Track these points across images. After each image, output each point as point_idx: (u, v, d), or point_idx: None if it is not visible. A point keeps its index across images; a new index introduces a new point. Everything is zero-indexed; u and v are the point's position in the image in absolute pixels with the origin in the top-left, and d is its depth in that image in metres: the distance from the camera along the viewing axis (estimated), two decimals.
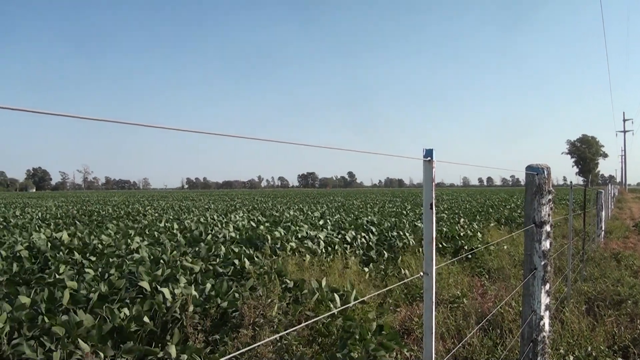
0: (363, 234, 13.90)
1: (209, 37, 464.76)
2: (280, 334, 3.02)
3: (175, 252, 10.15)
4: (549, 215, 4.78)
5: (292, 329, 3.12)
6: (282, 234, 13.69)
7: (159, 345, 5.81)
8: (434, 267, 2.96)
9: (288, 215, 22.92)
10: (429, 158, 2.84)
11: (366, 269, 10.27)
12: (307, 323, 3.75)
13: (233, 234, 13.92)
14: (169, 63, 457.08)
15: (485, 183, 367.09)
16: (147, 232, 14.85)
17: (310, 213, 25.25)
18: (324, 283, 7.40)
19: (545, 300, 4.82)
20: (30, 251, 10.69)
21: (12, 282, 8.23)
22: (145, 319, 5.81)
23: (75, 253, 10.34)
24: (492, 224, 19.97)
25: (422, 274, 3.02)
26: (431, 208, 2.89)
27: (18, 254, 10.17)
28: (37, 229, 17.25)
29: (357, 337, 5.76)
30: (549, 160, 5.12)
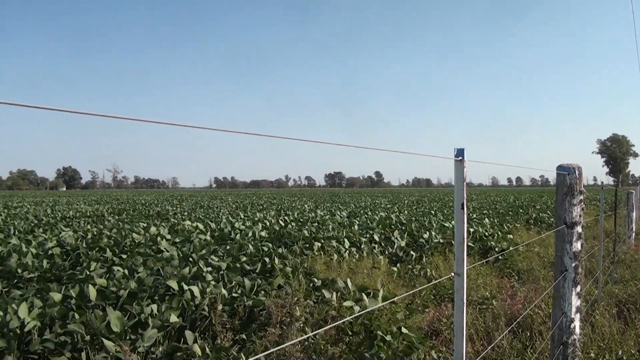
0: (391, 234, 13.83)
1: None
2: (310, 334, 3.01)
3: (204, 250, 10.21)
4: (580, 216, 4.70)
5: (320, 330, 3.10)
6: (310, 233, 13.68)
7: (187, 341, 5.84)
8: (465, 268, 2.92)
9: (315, 215, 22.92)
10: (460, 157, 2.80)
11: (394, 269, 10.22)
12: (335, 324, 3.73)
13: (262, 233, 13.95)
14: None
15: (514, 183, 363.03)
16: (176, 231, 14.96)
17: (337, 212, 25.22)
18: (350, 282, 7.37)
19: (575, 302, 4.74)
20: (61, 248, 10.83)
21: (43, 279, 8.36)
22: (173, 316, 5.84)
23: (107, 251, 10.45)
24: (521, 225, 19.75)
25: (452, 274, 2.99)
26: (462, 208, 2.85)
27: (49, 252, 10.31)
28: (68, 227, 17.49)
29: (386, 337, 5.73)
30: (578, 159, 5.04)
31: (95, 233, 14.22)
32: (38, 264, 9.04)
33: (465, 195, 2.86)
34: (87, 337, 5.40)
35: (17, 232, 15.26)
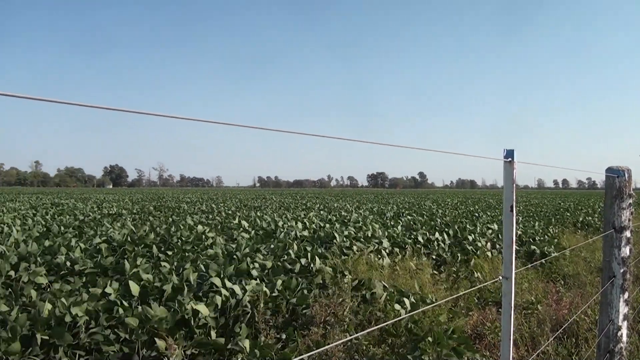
0: (435, 235, 13.73)
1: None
2: (354, 335, 3.00)
3: (247, 248, 10.29)
4: (629, 220, 4.59)
5: (365, 331, 3.10)
6: (352, 233, 13.67)
7: (230, 338, 5.89)
8: (514, 271, 2.88)
9: (358, 215, 22.89)
10: (509, 159, 2.76)
11: (437, 271, 10.14)
12: (379, 326, 3.72)
13: (304, 232, 13.99)
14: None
15: (560, 185, 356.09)
16: (220, 229, 15.11)
17: (380, 213, 25.14)
18: (394, 284, 7.34)
19: (623, 309, 4.63)
20: (108, 244, 11.04)
21: (90, 274, 8.54)
22: (205, 310, 5.90)
23: (153, 247, 10.61)
24: (568, 228, 19.39)
25: (500, 277, 2.95)
26: (511, 210, 2.81)
27: (97, 247, 10.52)
28: (115, 223, 17.83)
29: (429, 339, 5.68)
30: (628, 162, 4.93)
31: (141, 230, 14.46)
32: (86, 259, 9.22)
33: (514, 197, 2.82)
34: (140, 332, 5.49)
35: (63, 228, 15.60)
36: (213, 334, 5.88)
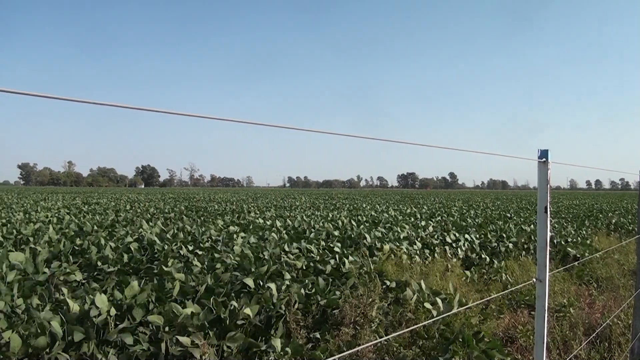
0: (466, 236, 13.63)
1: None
2: (385, 337, 2.99)
3: (278, 248, 10.32)
4: None
5: (396, 333, 3.08)
6: (382, 234, 13.63)
7: (263, 338, 5.91)
8: (547, 274, 2.85)
9: (388, 216, 22.82)
10: (543, 159, 2.73)
11: (468, 272, 10.05)
12: (411, 328, 3.70)
13: (334, 233, 13.99)
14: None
15: (593, 186, 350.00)
16: (251, 229, 15.18)
17: (410, 213, 25.03)
18: (424, 285, 7.30)
19: None
20: (139, 243, 11.16)
21: (121, 272, 8.65)
22: (252, 312, 5.92)
23: (183, 247, 10.70)
24: (601, 230, 19.09)
25: (533, 280, 2.91)
26: (545, 212, 2.78)
27: (128, 246, 10.64)
28: (147, 222, 18.02)
29: (460, 342, 5.64)
30: None
31: (173, 229, 14.59)
32: (117, 258, 9.34)
33: (548, 198, 2.79)
34: (167, 329, 5.54)
35: (96, 227, 15.81)
36: (247, 333, 5.92)
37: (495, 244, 13.00)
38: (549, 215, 2.80)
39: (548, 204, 2.78)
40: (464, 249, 12.37)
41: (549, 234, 2.84)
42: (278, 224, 16.79)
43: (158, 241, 11.30)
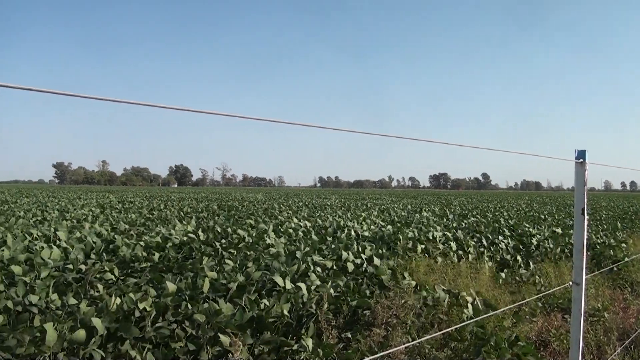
0: (499, 238, 13.49)
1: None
2: (418, 340, 2.97)
3: (308, 248, 10.33)
4: None
5: (429, 336, 3.06)
6: (414, 234, 13.56)
7: (294, 337, 5.92)
8: (584, 277, 2.80)
9: (419, 216, 22.71)
10: (581, 160, 2.68)
11: (501, 274, 9.94)
12: (444, 331, 3.67)
13: (365, 233, 13.96)
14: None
15: (627, 187, 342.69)
16: (282, 229, 15.22)
17: (442, 214, 24.87)
18: (457, 286, 7.24)
19: None
20: (173, 242, 11.26)
21: (156, 270, 8.74)
22: (285, 311, 5.94)
23: (217, 245, 10.77)
24: (636, 233, 18.73)
25: (570, 283, 2.87)
26: (582, 213, 2.73)
27: (162, 244, 10.75)
28: (180, 221, 18.19)
29: (492, 345, 5.58)
30: None
31: (205, 228, 14.71)
32: (150, 256, 9.44)
33: (585, 199, 2.74)
34: (207, 327, 5.59)
35: (129, 226, 16.01)
36: (278, 332, 5.94)
37: (529, 246, 12.84)
38: (586, 218, 2.75)
39: (585, 205, 2.73)
40: (497, 250, 12.24)
41: (585, 236, 2.79)
42: (308, 223, 16.81)
43: (191, 239, 11.38)
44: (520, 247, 12.94)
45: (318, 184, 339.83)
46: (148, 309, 5.89)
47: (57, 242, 11.35)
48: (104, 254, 9.90)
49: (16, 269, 7.72)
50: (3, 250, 9.09)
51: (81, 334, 5.16)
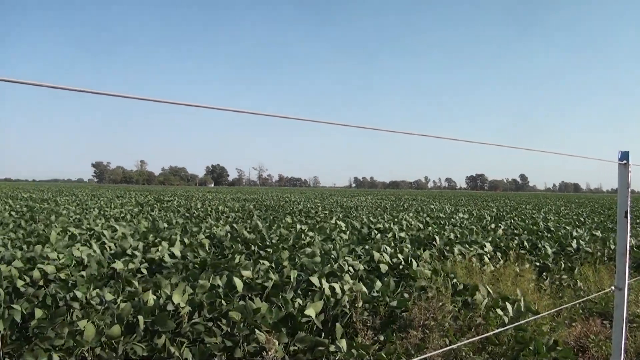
0: (537, 241, 13.30)
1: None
2: (457, 344, 2.94)
3: (344, 249, 10.32)
4: None
5: (467, 340, 3.02)
6: (451, 236, 13.45)
7: (329, 337, 5.91)
8: (627, 282, 2.73)
9: (457, 218, 22.52)
10: (624, 161, 2.62)
11: (540, 278, 9.79)
12: (483, 336, 3.62)
13: (401, 234, 13.90)
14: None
15: None
16: (318, 228, 15.23)
17: (479, 216, 24.64)
18: (495, 290, 7.16)
19: None
20: (210, 240, 11.37)
21: (192, 268, 8.83)
22: (314, 310, 5.93)
23: (252, 245, 10.83)
24: None
25: (612, 288, 2.80)
26: (625, 216, 2.66)
27: (199, 243, 10.85)
28: (216, 220, 18.35)
29: (531, 349, 5.50)
30: None
31: (241, 227, 14.80)
32: (187, 254, 9.53)
33: (629, 202, 2.67)
34: (242, 325, 5.63)
35: (167, 224, 16.20)
36: (313, 332, 5.94)
37: (568, 250, 12.63)
38: (629, 220, 2.69)
39: (628, 208, 2.66)
40: (536, 253, 12.07)
41: (629, 240, 2.72)
42: (344, 224, 16.80)
43: (228, 239, 11.47)
44: (560, 250, 12.73)
45: (353, 185, 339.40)
46: (182, 304, 5.96)
47: (97, 239, 11.55)
48: (142, 251, 10.04)
49: (59, 265, 7.89)
50: (45, 247, 9.28)
51: (116, 329, 5.24)
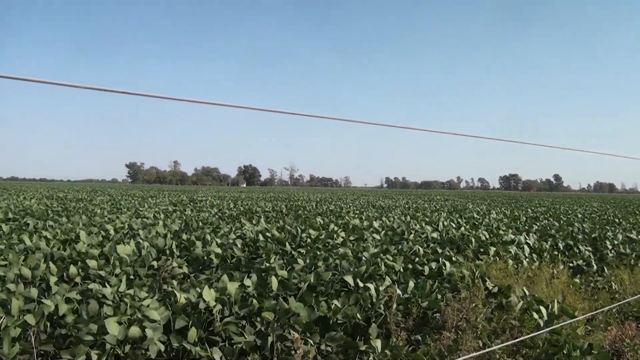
0: (572, 242, 13.15)
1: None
2: (491, 348, 2.94)
3: (377, 249, 10.32)
4: None
5: (502, 344, 3.03)
6: (485, 237, 13.37)
7: (362, 338, 5.94)
8: None
9: (490, 219, 22.34)
10: None
11: (575, 280, 9.68)
12: (517, 340, 3.62)
13: (434, 235, 13.85)
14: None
15: None
16: (350, 229, 15.25)
17: (513, 217, 24.40)
18: (529, 292, 7.11)
19: None
20: (242, 240, 11.45)
21: (225, 267, 8.93)
22: (351, 312, 5.96)
23: (286, 244, 10.89)
24: None
25: None
26: None
27: (232, 243, 10.94)
28: (249, 220, 18.48)
29: (565, 353, 5.46)
30: None
31: (274, 227, 14.88)
32: (220, 253, 9.63)
33: None
34: (275, 325, 5.68)
35: (201, 224, 16.36)
36: (346, 332, 5.97)
37: (604, 251, 12.46)
38: None
39: None
40: (571, 255, 11.93)
41: None
42: (376, 224, 16.78)
43: (260, 239, 11.55)
44: (595, 252, 12.57)
45: (385, 185, 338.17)
46: (213, 303, 6.03)
47: (131, 238, 11.73)
48: (176, 251, 10.17)
49: (93, 263, 8.03)
50: (79, 244, 9.46)
51: (136, 330, 5.32)
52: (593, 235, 15.17)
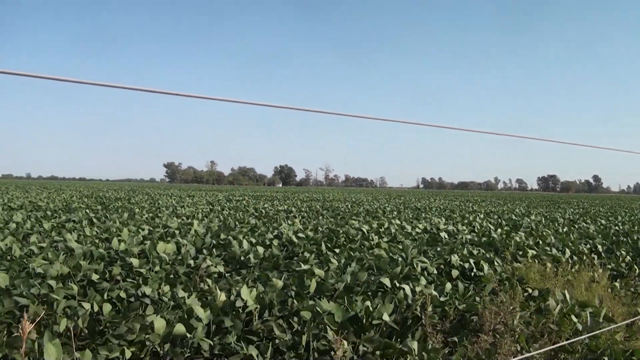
0: (613, 245, 12.93)
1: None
2: (530, 353, 2.93)
3: (412, 250, 10.30)
4: None
5: (542, 350, 3.01)
6: (523, 239, 13.23)
7: (398, 339, 5.94)
8: None
9: (529, 220, 22.08)
10: None
11: (615, 284, 9.52)
12: (557, 345, 3.59)
13: (471, 236, 13.75)
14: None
15: None
16: (384, 229, 15.22)
17: (552, 219, 24.09)
18: (569, 295, 7.01)
19: None
20: (279, 240, 11.53)
21: (262, 267, 9.01)
22: (385, 315, 5.96)
23: (321, 244, 10.93)
24: None
25: None
26: None
27: (268, 243, 11.02)
28: (285, 220, 18.59)
29: (605, 359, 5.39)
30: None
31: (310, 227, 14.95)
32: (257, 253, 9.71)
33: None
34: (312, 324, 5.73)
35: (238, 223, 16.49)
36: (383, 333, 5.97)
37: None
38: None
39: None
40: (611, 259, 11.74)
41: None
42: (412, 225, 16.72)
43: (296, 239, 11.61)
44: (636, 255, 12.34)
45: (421, 185, 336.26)
46: (250, 302, 6.09)
47: (170, 237, 11.89)
48: (214, 250, 10.28)
49: (133, 261, 8.18)
50: (116, 242, 9.62)
51: (181, 328, 5.40)
52: (634, 238, 14.90)
